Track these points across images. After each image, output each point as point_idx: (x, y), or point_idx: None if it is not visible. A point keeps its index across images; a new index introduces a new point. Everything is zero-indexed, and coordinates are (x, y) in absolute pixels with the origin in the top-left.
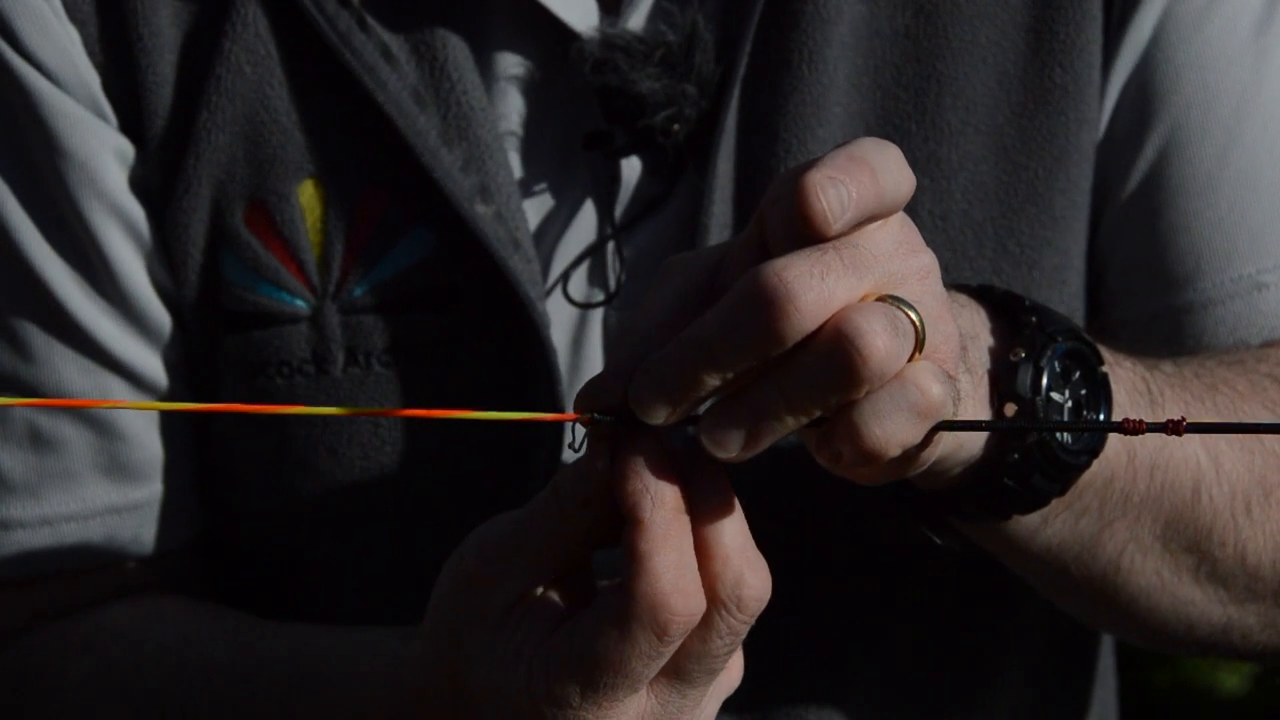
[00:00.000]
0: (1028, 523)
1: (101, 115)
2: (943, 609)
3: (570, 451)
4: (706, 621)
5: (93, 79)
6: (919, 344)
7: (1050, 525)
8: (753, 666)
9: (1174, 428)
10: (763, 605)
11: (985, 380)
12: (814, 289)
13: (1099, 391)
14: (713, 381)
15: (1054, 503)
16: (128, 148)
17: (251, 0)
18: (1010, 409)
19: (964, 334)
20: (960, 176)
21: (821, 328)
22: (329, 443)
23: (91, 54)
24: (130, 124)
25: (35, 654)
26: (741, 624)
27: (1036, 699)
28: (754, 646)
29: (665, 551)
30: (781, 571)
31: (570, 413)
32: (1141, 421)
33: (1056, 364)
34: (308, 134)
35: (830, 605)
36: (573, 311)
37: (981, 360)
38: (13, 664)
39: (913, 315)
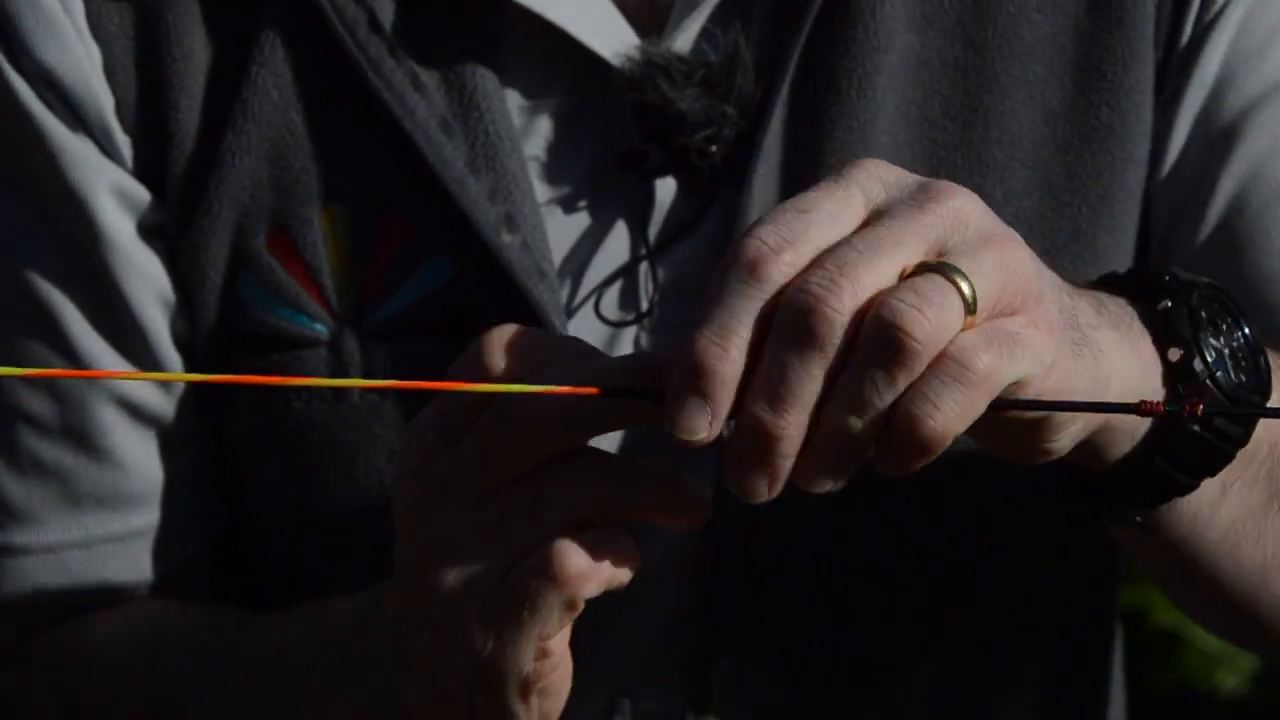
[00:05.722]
0: (1210, 494)
1: (108, 144)
2: (957, 654)
3: None
4: None
5: (107, 102)
6: (969, 307)
7: (1229, 495)
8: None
9: (1191, 409)
10: None
11: (1137, 330)
12: (844, 290)
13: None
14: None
15: (1234, 466)
16: (134, 187)
17: (280, 25)
18: (1175, 353)
19: (1094, 299)
20: (1004, 211)
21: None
22: (345, 467)
23: (111, 74)
24: (150, 149)
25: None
26: None
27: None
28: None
29: None
30: (800, 613)
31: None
32: (1159, 404)
33: (1203, 311)
34: (332, 159)
35: (838, 653)
36: (601, 331)
37: (1124, 313)
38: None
39: (957, 279)
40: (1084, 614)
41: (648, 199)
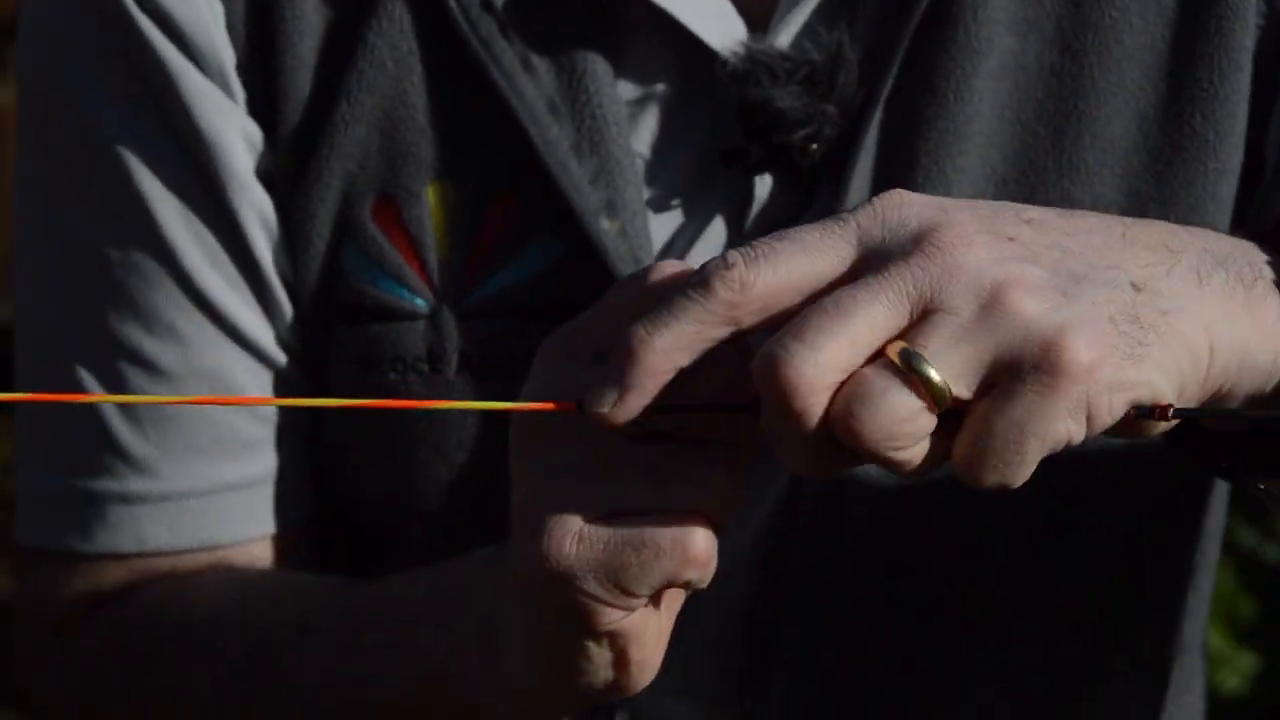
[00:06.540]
0: None
1: (230, 94)
2: (1021, 667)
3: None
4: None
5: (228, 57)
6: (936, 394)
7: None
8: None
9: (1160, 413)
10: None
11: (1259, 294)
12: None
13: None
14: None
15: None
16: (255, 131)
17: None
18: None
19: (1201, 261)
20: None
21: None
22: (435, 441)
23: (231, 29)
24: (261, 106)
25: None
26: None
27: None
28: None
29: None
30: (857, 625)
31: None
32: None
33: None
34: (442, 134)
35: (895, 663)
36: None
37: (1246, 274)
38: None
39: (920, 366)
40: (1161, 630)
41: (747, 194)
